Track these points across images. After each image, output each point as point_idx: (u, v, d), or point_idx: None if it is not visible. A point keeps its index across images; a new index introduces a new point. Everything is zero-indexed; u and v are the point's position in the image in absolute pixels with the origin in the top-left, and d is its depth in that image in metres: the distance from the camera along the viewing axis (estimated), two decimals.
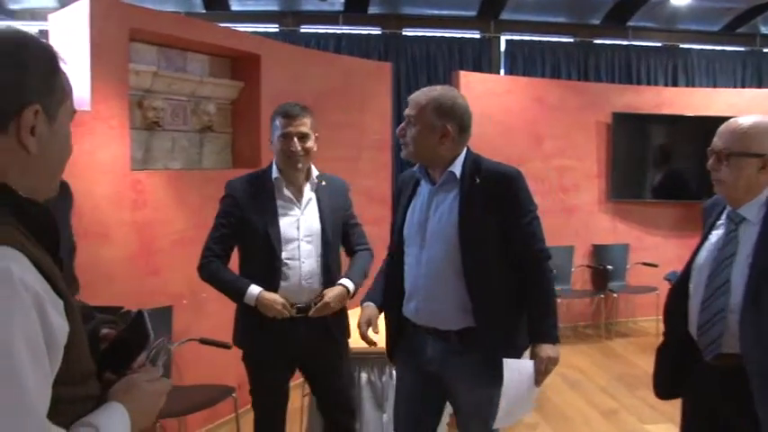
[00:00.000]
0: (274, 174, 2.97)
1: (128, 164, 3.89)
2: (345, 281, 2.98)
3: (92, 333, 1.21)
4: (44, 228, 1.11)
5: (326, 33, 8.80)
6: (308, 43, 8.44)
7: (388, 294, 2.65)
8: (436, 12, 8.79)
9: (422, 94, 2.48)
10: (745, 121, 2.19)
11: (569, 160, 7.09)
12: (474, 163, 2.48)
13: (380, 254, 2.96)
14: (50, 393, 1.00)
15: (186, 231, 4.10)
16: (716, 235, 2.26)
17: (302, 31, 8.84)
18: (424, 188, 2.55)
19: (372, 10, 8.73)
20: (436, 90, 2.49)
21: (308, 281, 2.92)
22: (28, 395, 0.95)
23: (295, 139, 2.88)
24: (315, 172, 3.03)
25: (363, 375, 3.44)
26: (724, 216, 2.26)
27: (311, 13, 8.85)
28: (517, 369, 2.37)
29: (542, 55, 8.93)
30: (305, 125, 2.92)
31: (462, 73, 6.78)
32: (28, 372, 0.95)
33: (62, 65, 1.16)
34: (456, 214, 2.41)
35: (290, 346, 2.90)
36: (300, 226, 2.94)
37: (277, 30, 8.81)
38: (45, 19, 4.10)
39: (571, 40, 9.13)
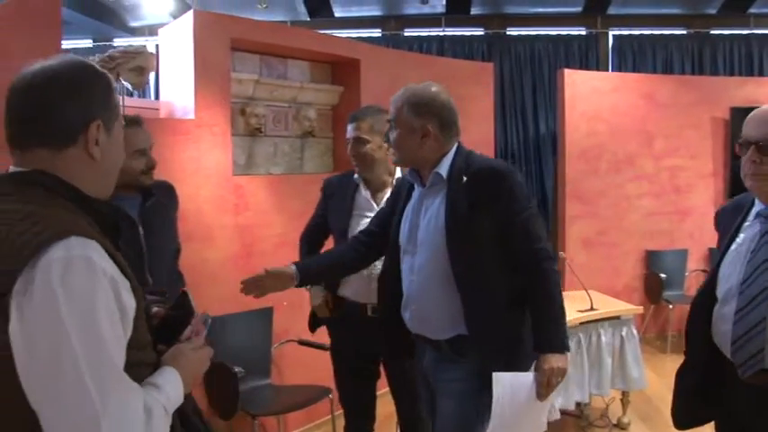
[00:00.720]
0: (356, 174, 3.02)
1: (230, 169, 4.03)
2: None
3: (144, 311, 1.38)
4: (108, 222, 1.33)
5: (429, 36, 8.80)
6: (411, 47, 8.48)
7: (384, 301, 2.57)
8: (541, 10, 8.60)
9: (398, 95, 2.37)
10: None
11: (682, 159, 6.74)
12: (463, 161, 2.33)
13: None
14: (125, 356, 1.22)
15: (287, 234, 4.19)
16: (745, 237, 2.00)
17: (405, 34, 8.89)
18: (416, 192, 2.45)
19: (475, 11, 8.65)
20: (411, 88, 2.37)
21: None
22: (111, 354, 1.18)
23: (349, 145, 2.95)
24: (398, 173, 3.00)
25: None
26: (753, 215, 2.01)
27: (414, 16, 8.88)
28: (510, 384, 2.17)
29: (653, 49, 8.51)
30: (359, 129, 2.92)
31: (567, 71, 6.60)
32: (110, 337, 1.18)
33: (114, 86, 1.40)
34: (443, 217, 2.28)
35: (366, 342, 2.90)
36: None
37: (380, 35, 8.90)
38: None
39: (684, 32, 8.68)
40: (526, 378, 2.19)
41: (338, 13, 8.74)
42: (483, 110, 6.10)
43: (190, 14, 3.85)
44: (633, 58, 8.55)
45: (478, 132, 5.99)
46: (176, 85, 3.99)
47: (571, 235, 6.37)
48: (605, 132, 6.53)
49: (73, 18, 7.85)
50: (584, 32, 8.65)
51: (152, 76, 5.00)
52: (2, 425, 1.19)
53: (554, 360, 2.18)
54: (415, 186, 2.45)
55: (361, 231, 2.69)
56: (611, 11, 8.48)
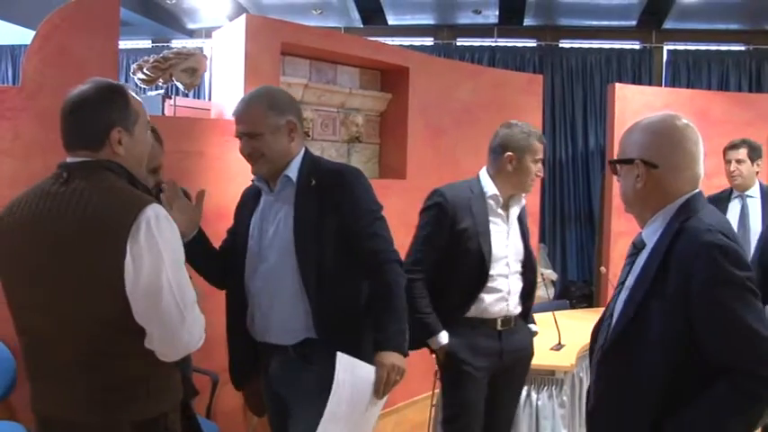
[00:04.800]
0: (492, 190, 2.92)
1: None
2: (532, 326, 3.11)
3: None
4: None
5: (481, 46, 8.80)
6: (463, 56, 8.49)
7: (231, 314, 2.43)
8: (594, 23, 8.51)
9: (246, 104, 2.30)
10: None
11: None
12: (311, 163, 2.33)
13: None
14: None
15: None
16: None
17: (457, 44, 8.90)
18: (264, 199, 2.39)
19: (528, 22, 8.61)
20: (257, 92, 2.34)
21: (513, 297, 2.94)
22: (186, 277, 1.77)
23: (540, 165, 2.92)
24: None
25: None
26: None
27: (466, 26, 8.89)
28: (352, 370, 2.11)
29: (709, 65, 8.35)
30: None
31: (618, 85, 6.52)
32: (184, 267, 1.78)
33: (131, 96, 1.84)
34: (291, 221, 2.25)
35: (490, 356, 2.89)
36: (509, 244, 2.93)
37: (432, 43, 8.93)
38: None
39: (743, 48, 8.48)
40: (368, 370, 2.16)
41: (391, 21, 8.81)
42: (531, 121, 5.90)
43: (242, 18, 3.94)
44: (688, 73, 8.38)
45: None
46: (227, 87, 4.09)
47: (616, 252, 6.27)
48: None
49: (132, 19, 8.08)
50: (637, 46, 8.52)
51: (207, 77, 5.12)
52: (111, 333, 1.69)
53: (394, 357, 2.18)
54: (263, 194, 2.40)
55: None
56: (667, 25, 8.34)
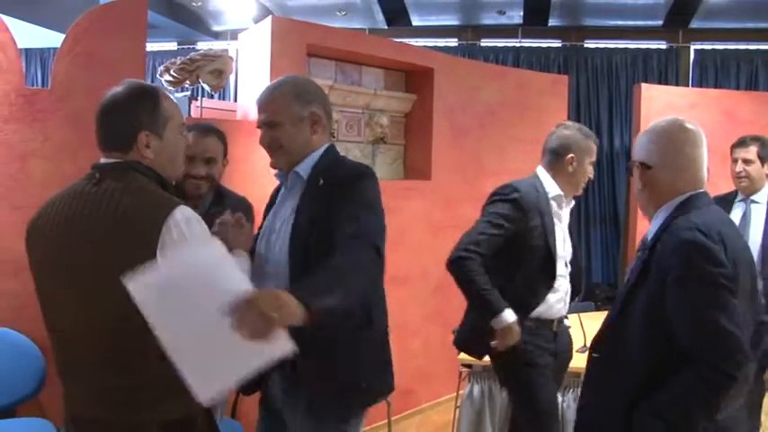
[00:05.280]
0: (555, 190, 2.92)
1: None
2: (565, 321, 3.12)
3: None
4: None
5: (506, 47, 8.77)
6: (487, 57, 8.47)
7: None
8: (620, 22, 8.44)
9: (270, 92, 2.12)
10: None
11: None
12: (329, 161, 2.10)
13: None
14: None
15: None
16: None
17: (482, 44, 8.88)
18: (281, 195, 2.22)
19: (553, 22, 8.57)
20: (283, 80, 2.15)
21: (567, 298, 2.99)
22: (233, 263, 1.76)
23: (592, 167, 2.98)
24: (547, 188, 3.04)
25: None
26: None
27: (491, 27, 8.87)
28: (214, 259, 1.57)
29: (737, 64, 8.25)
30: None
31: (644, 86, 6.45)
32: None
33: (163, 98, 1.84)
34: (290, 224, 2.04)
35: (549, 356, 2.93)
36: (565, 245, 2.97)
37: (456, 44, 8.92)
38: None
39: None
40: (240, 279, 1.59)
41: (416, 22, 8.81)
42: (556, 122, 6.01)
43: (268, 20, 3.97)
44: (715, 73, 8.29)
45: None
46: (253, 88, 4.11)
47: None
48: None
49: (158, 21, 8.17)
50: (664, 46, 8.44)
51: (232, 78, 5.16)
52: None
53: (289, 299, 1.54)
54: (282, 189, 2.23)
55: None
56: (694, 24, 8.25)
